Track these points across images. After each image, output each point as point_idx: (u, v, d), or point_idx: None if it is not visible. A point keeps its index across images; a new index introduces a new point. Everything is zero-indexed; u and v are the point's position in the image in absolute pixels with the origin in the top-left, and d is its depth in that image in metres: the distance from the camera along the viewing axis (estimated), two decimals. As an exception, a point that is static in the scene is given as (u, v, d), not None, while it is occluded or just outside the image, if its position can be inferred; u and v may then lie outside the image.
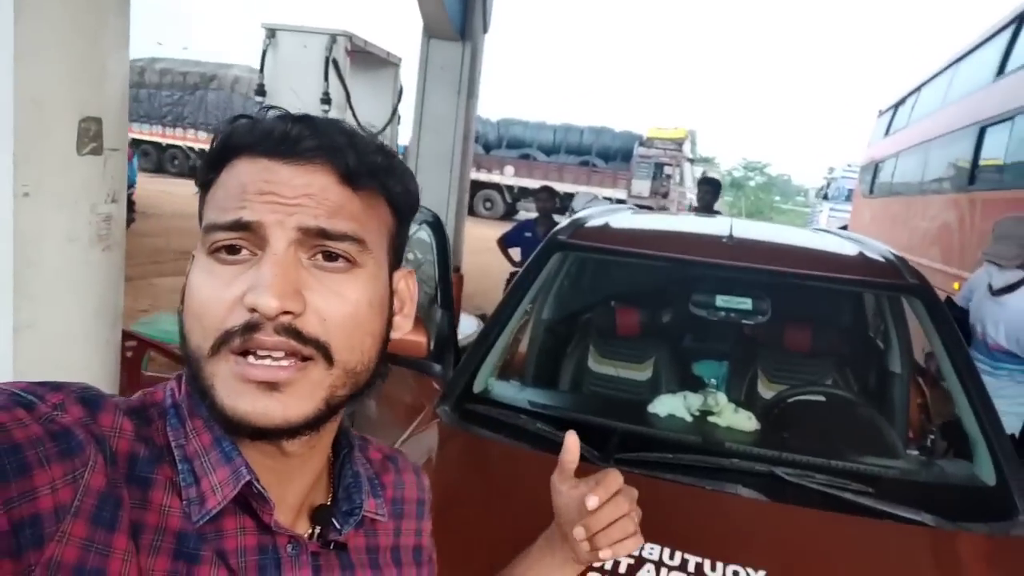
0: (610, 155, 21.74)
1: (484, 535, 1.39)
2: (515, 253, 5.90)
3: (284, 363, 0.54)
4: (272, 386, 0.54)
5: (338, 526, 0.64)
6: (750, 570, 1.38)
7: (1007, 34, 5.98)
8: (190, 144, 22.63)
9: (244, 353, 0.54)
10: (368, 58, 4.72)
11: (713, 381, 2.25)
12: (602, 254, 2.47)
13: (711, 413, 2.00)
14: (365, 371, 0.59)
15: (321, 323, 0.55)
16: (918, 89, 9.03)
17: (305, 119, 0.59)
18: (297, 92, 4.19)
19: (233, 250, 0.56)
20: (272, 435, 0.56)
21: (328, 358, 0.56)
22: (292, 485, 0.62)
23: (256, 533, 0.59)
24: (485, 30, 6.61)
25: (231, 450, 0.58)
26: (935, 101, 7.96)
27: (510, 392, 2.19)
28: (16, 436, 0.49)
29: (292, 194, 0.56)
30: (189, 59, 23.25)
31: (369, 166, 0.59)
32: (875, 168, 10.64)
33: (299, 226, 0.55)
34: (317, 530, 0.64)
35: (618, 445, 1.77)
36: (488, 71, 6.89)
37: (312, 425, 0.57)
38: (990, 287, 3.22)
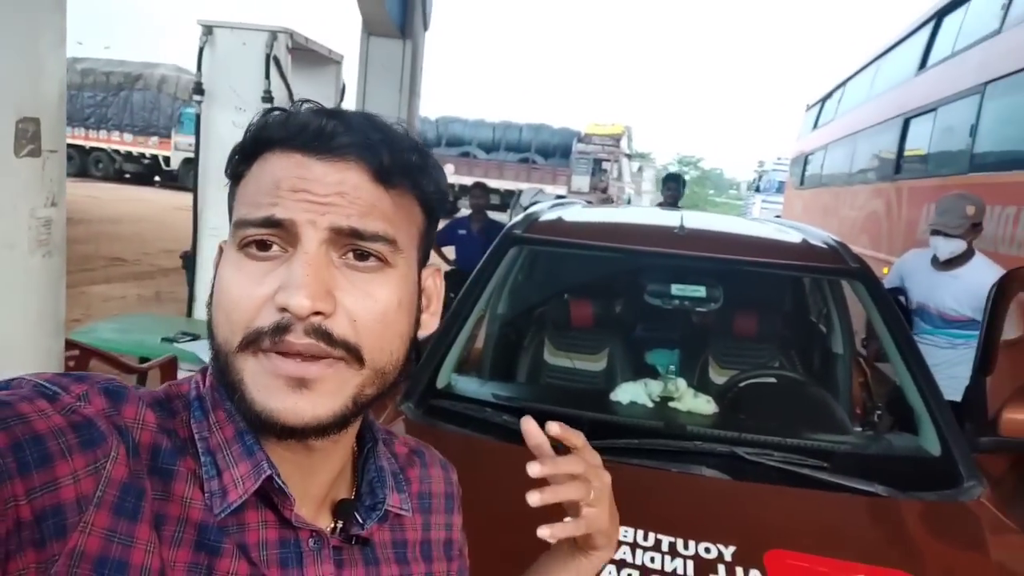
0: (549, 152, 21.93)
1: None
2: (449, 252, 5.80)
3: (313, 360, 0.54)
4: (302, 382, 0.54)
5: (360, 521, 0.63)
6: (720, 546, 1.42)
7: (928, 29, 6.27)
8: (115, 147, 21.85)
9: (273, 352, 0.53)
10: (310, 56, 4.65)
11: (672, 368, 2.30)
12: (558, 247, 2.51)
13: (672, 399, 2.05)
14: (393, 371, 0.59)
15: (351, 324, 0.55)
16: (844, 83, 9.38)
17: (339, 114, 0.58)
18: (237, 90, 4.10)
19: (264, 246, 0.55)
20: (301, 434, 0.55)
21: (359, 359, 0.55)
22: (315, 479, 0.62)
23: (278, 527, 0.59)
24: (426, 28, 6.58)
25: (253, 444, 0.58)
26: (861, 95, 8.29)
27: (473, 386, 2.20)
28: (38, 427, 0.49)
29: (325, 191, 0.55)
30: (113, 59, 22.41)
31: (403, 164, 0.58)
32: (804, 160, 11.01)
33: (331, 226, 0.54)
34: (339, 524, 0.63)
35: (584, 433, 1.80)
36: (429, 69, 6.89)
37: (340, 424, 0.56)
38: (935, 262, 3.36)
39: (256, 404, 0.54)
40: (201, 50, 4.16)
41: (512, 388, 2.45)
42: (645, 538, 1.44)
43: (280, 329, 0.53)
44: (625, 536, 1.43)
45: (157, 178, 22.30)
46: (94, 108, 21.28)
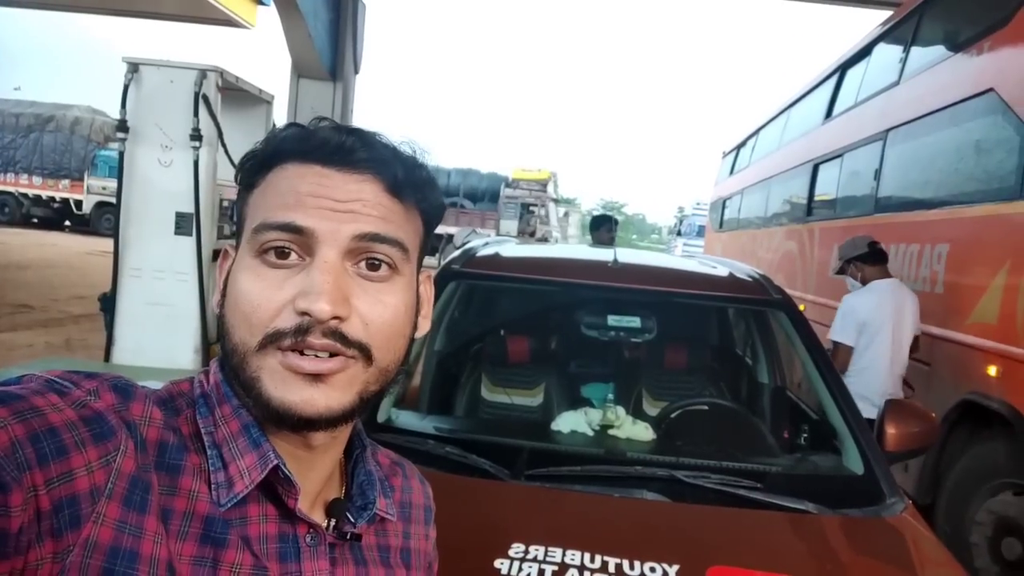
0: (478, 196, 22.16)
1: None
2: None
3: (328, 357, 0.58)
4: (317, 377, 0.58)
5: (352, 520, 0.66)
6: (665, 565, 1.45)
7: (832, 81, 6.70)
8: (23, 190, 20.90)
9: (291, 350, 0.57)
10: (240, 95, 4.61)
11: (610, 398, 2.34)
12: (495, 281, 2.54)
13: (611, 426, 2.09)
14: (395, 369, 0.64)
15: (364, 328, 0.59)
16: (757, 131, 9.88)
17: (356, 131, 0.63)
18: (163, 128, 4.02)
19: (282, 254, 0.59)
20: (314, 425, 0.59)
21: (368, 358, 0.60)
22: (311, 475, 0.64)
23: (277, 521, 0.61)
24: (356, 71, 6.64)
25: (259, 436, 0.61)
26: (773, 142, 8.74)
27: (414, 420, 2.19)
28: (53, 419, 0.51)
29: (345, 198, 0.59)
30: (23, 99, 21.56)
31: (413, 179, 0.64)
32: (723, 204, 11.48)
33: (355, 233, 0.59)
34: (332, 523, 0.66)
35: (527, 462, 1.81)
36: (359, 111, 6.93)
37: (348, 416, 0.61)
38: None
39: (274, 397, 0.58)
40: (126, 87, 4.07)
41: (453, 421, 2.45)
42: (592, 560, 1.45)
43: (301, 331, 0.57)
44: (572, 559, 1.45)
45: (67, 223, 21.40)
46: (1, 150, 20.35)
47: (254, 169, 0.63)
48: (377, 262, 0.61)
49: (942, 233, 4.10)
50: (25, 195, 20.99)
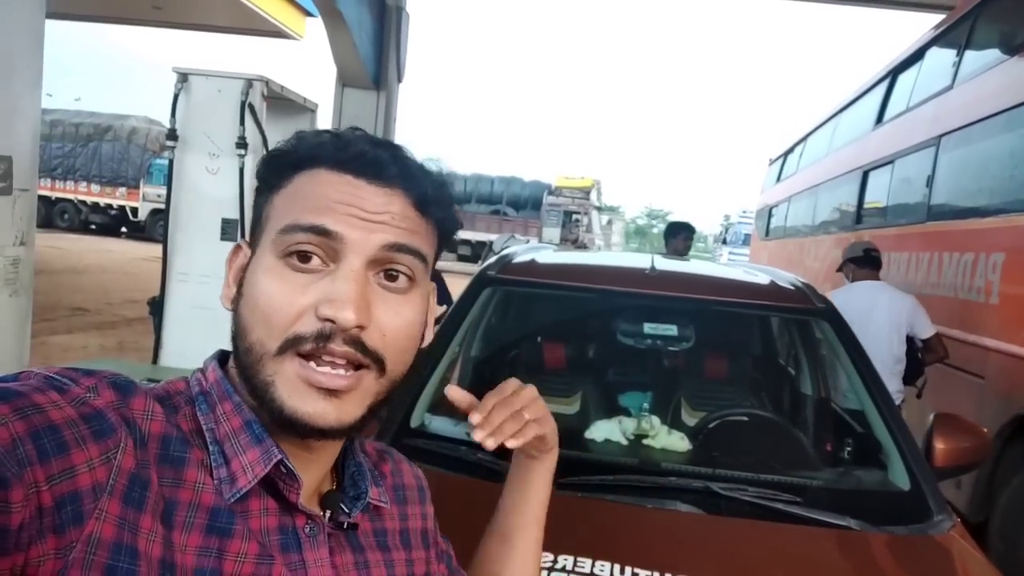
0: (520, 204, 22.20)
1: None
2: None
3: (343, 372, 0.58)
4: (332, 392, 0.58)
5: (347, 510, 0.67)
6: (697, 579, 1.42)
7: (883, 86, 6.54)
8: (81, 198, 21.67)
9: (309, 357, 0.58)
10: (285, 104, 4.70)
11: (645, 408, 2.31)
12: (531, 287, 2.53)
13: (646, 436, 2.06)
14: (402, 378, 0.65)
15: (382, 338, 0.60)
16: (805, 138, 9.70)
17: (390, 145, 0.65)
18: (211, 137, 4.12)
19: (305, 258, 0.59)
20: (323, 435, 0.60)
21: (382, 368, 0.61)
22: (308, 473, 0.65)
23: (277, 514, 0.62)
24: (400, 80, 6.72)
25: (261, 432, 0.61)
26: (821, 149, 8.57)
27: (447, 426, 2.19)
28: (53, 416, 0.51)
29: (375, 210, 0.60)
30: (83, 110, 22.37)
31: (439, 197, 0.65)
32: (769, 212, 11.29)
33: (383, 243, 0.60)
34: (328, 514, 0.67)
35: (560, 471, 1.79)
36: (402, 120, 7.02)
37: (358, 428, 0.62)
38: None
39: (287, 406, 0.58)
40: (176, 97, 4.18)
41: (486, 428, 2.44)
42: (622, 572, 1.43)
43: (323, 336, 0.57)
44: (602, 570, 1.43)
45: (124, 229, 22.10)
46: (61, 159, 21.16)
47: (281, 170, 0.64)
48: (396, 273, 0.62)
49: (997, 242, 3.95)
50: (84, 202, 21.75)
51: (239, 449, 0.60)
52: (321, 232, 0.58)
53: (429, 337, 0.71)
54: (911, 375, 3.95)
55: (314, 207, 0.59)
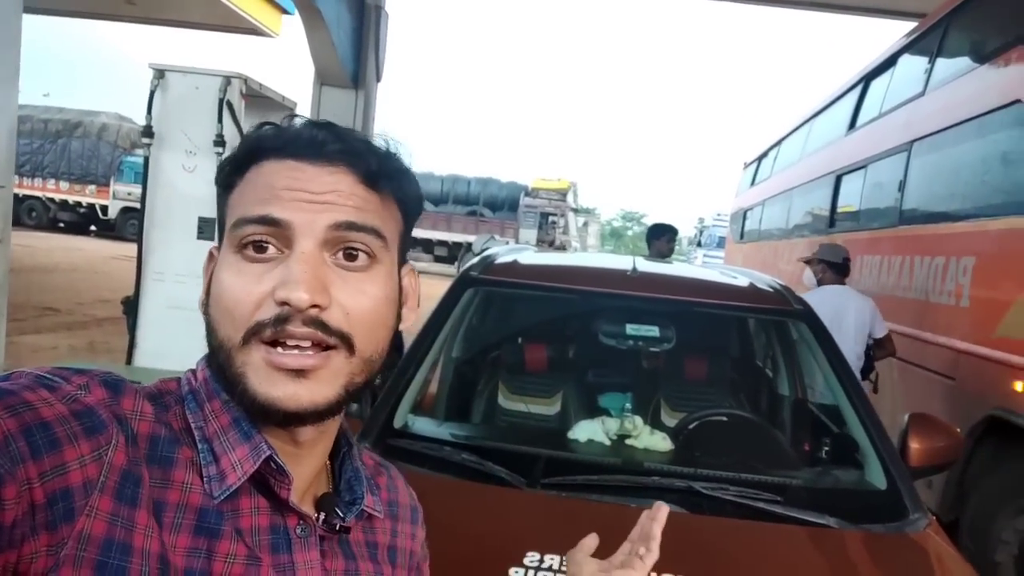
0: (497, 205, 22.20)
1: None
2: None
3: (310, 352, 0.58)
4: (300, 373, 0.58)
5: (341, 514, 0.67)
6: (681, 577, 1.43)
7: (856, 92, 6.64)
8: (50, 195, 21.26)
9: (273, 343, 0.58)
10: (263, 102, 4.66)
11: (628, 408, 2.33)
12: (514, 288, 2.53)
13: (628, 436, 2.07)
14: (379, 360, 0.64)
15: (345, 317, 0.60)
16: (779, 143, 9.81)
17: (328, 126, 0.64)
18: (188, 134, 4.07)
19: (260, 248, 0.59)
20: (299, 419, 0.59)
21: (350, 348, 0.60)
22: (299, 470, 0.65)
23: (268, 513, 0.62)
24: (378, 79, 6.69)
25: (250, 429, 0.61)
26: (795, 153, 8.68)
27: (430, 427, 2.19)
28: (44, 414, 0.51)
29: (320, 190, 0.60)
30: (51, 106, 21.95)
31: (388, 170, 0.64)
32: (744, 216, 11.41)
33: (331, 223, 0.60)
34: (321, 517, 0.66)
35: (543, 470, 1.80)
36: (381, 119, 7.00)
37: (334, 409, 0.61)
38: None
39: (259, 393, 0.58)
40: (152, 93, 4.13)
41: (470, 428, 2.45)
42: (608, 571, 1.43)
43: (281, 320, 0.57)
44: (588, 569, 1.43)
45: (93, 228, 21.72)
46: (29, 155, 20.72)
47: (232, 170, 0.64)
48: (355, 252, 0.61)
49: (968, 246, 4.03)
50: (52, 200, 21.36)
51: (228, 446, 0.60)
52: (269, 222, 0.59)
53: (411, 319, 0.71)
54: (865, 371, 4.26)
55: (261, 198, 0.60)
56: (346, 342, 0.60)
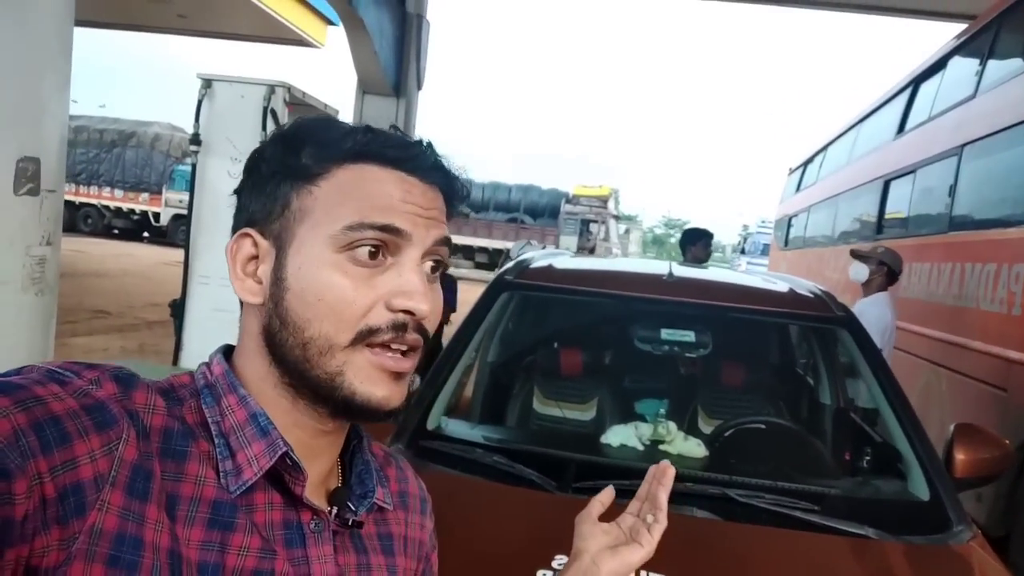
0: (538, 212, 22.22)
1: (451, 566, 1.38)
2: None
3: (409, 356, 0.62)
4: (399, 376, 0.62)
5: (353, 508, 0.67)
6: (713, 584, 1.41)
7: (905, 95, 6.49)
8: (105, 203, 21.96)
9: (382, 346, 0.61)
10: (306, 110, 4.74)
11: (662, 414, 2.30)
12: (549, 292, 2.53)
13: (662, 441, 2.05)
14: None
15: (431, 323, 0.64)
16: (825, 148, 9.64)
17: (429, 145, 0.67)
18: (233, 141, 4.17)
19: (372, 254, 0.61)
20: (388, 416, 0.63)
21: (422, 350, 0.64)
22: (316, 463, 0.65)
23: (282, 509, 0.62)
24: (419, 87, 6.76)
25: (267, 424, 0.61)
26: (842, 158, 8.51)
27: (463, 429, 2.19)
28: (55, 408, 0.51)
29: (427, 206, 0.64)
30: (107, 117, 22.71)
31: (464, 194, 0.69)
32: (788, 222, 11.21)
33: (437, 238, 0.64)
34: (334, 511, 0.66)
35: (575, 475, 1.79)
36: (422, 126, 7.05)
37: (406, 406, 0.65)
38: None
39: (359, 392, 0.60)
40: (200, 102, 4.25)
41: (502, 431, 2.45)
42: (637, 576, 1.42)
43: (399, 327, 0.60)
44: (617, 574, 1.42)
45: (146, 234, 22.36)
46: (86, 164, 21.47)
47: (315, 160, 0.62)
48: (439, 263, 0.66)
49: (1020, 253, 3.90)
50: (107, 207, 22.06)
51: (244, 442, 0.60)
52: (392, 231, 0.61)
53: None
54: None
55: (379, 205, 0.61)
56: (426, 344, 0.64)
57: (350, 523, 0.66)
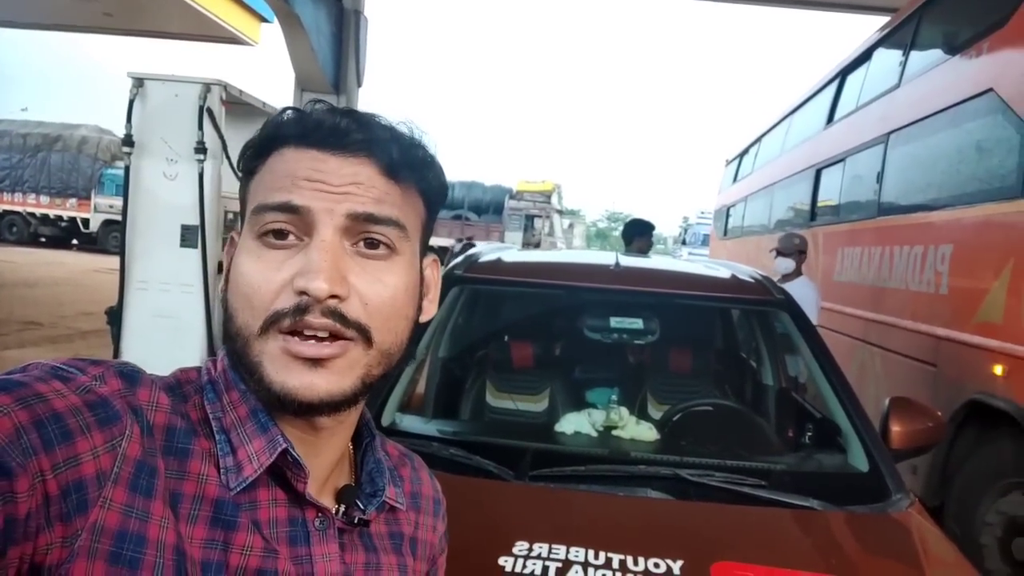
0: (482, 208, 22.21)
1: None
2: None
3: (327, 342, 0.58)
4: (317, 362, 0.58)
5: (361, 506, 0.66)
6: (669, 560, 1.45)
7: (834, 86, 6.72)
8: (30, 209, 21.07)
9: (292, 333, 0.57)
10: (243, 108, 4.64)
11: (614, 401, 2.35)
12: (498, 286, 2.55)
13: (615, 427, 2.10)
14: (398, 352, 0.63)
15: (363, 307, 0.59)
16: (759, 139, 9.89)
17: (351, 113, 0.63)
18: (168, 142, 4.06)
19: (280, 235, 0.59)
20: (315, 410, 0.59)
21: (368, 340, 0.60)
22: (318, 460, 0.64)
23: (287, 505, 0.61)
24: (359, 84, 6.69)
25: (267, 421, 0.60)
26: (775, 149, 8.75)
27: (418, 424, 2.20)
28: (57, 405, 0.51)
29: (340, 182, 0.59)
30: (30, 120, 21.77)
31: (409, 160, 0.63)
32: (727, 212, 11.48)
33: (349, 212, 0.59)
34: (342, 509, 0.66)
35: (531, 463, 1.82)
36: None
37: (350, 400, 0.60)
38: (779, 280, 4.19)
39: (275, 383, 0.57)
40: (131, 102, 4.12)
41: (457, 424, 2.46)
42: (596, 556, 1.45)
43: (300, 310, 0.57)
44: (576, 556, 1.45)
45: (75, 241, 21.54)
46: (9, 170, 20.55)
47: (253, 155, 0.63)
48: (375, 241, 0.61)
49: (945, 234, 4.09)
50: (32, 214, 21.16)
51: (245, 438, 0.60)
52: (288, 209, 0.58)
53: (431, 311, 0.69)
54: None
55: (281, 185, 0.59)
56: (363, 334, 0.59)
57: (356, 521, 0.65)
